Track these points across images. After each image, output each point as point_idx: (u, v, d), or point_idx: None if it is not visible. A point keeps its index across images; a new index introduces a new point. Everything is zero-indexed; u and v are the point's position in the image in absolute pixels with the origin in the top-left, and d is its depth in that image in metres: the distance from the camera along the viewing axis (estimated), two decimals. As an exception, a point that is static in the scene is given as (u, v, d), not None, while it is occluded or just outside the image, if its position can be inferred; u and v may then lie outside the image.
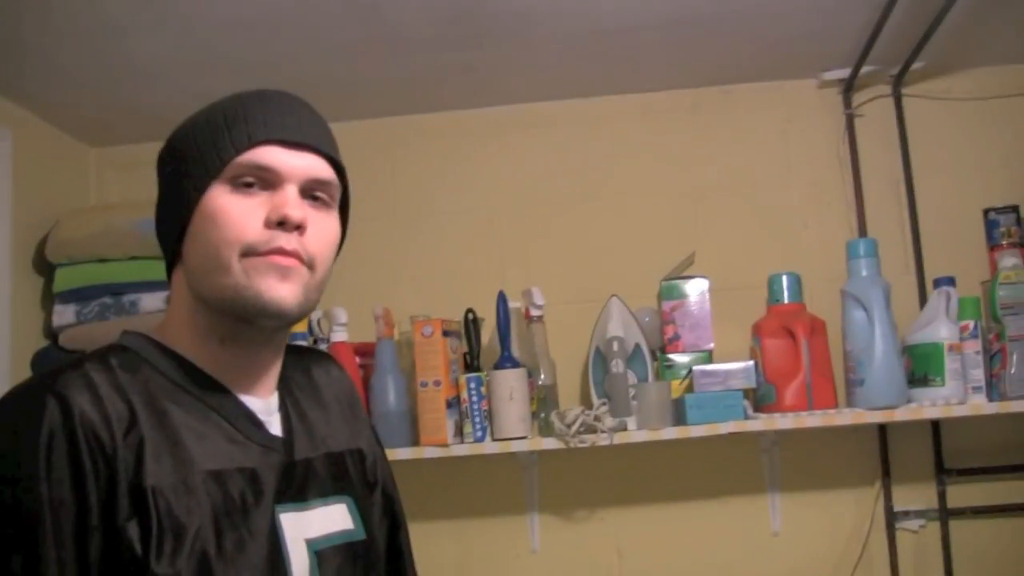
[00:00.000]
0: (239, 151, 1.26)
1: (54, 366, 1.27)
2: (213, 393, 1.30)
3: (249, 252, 1.24)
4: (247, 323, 1.28)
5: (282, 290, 1.25)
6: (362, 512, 1.43)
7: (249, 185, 1.26)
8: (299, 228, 1.26)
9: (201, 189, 1.26)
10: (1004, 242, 2.84)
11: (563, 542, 2.99)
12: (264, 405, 1.36)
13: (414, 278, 3.11)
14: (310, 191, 1.30)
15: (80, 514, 1.14)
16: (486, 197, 3.16)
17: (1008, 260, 2.69)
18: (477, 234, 3.14)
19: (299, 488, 1.33)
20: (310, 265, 1.28)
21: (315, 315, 2.80)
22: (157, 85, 2.79)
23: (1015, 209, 2.86)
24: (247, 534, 1.23)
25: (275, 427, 1.36)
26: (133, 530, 1.15)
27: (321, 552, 1.31)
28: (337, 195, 1.35)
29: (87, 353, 1.29)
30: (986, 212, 2.90)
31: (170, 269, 1.36)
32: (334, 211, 1.35)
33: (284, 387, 1.42)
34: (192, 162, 1.28)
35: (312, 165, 1.30)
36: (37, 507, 1.13)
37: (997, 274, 2.65)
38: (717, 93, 3.13)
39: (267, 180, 1.27)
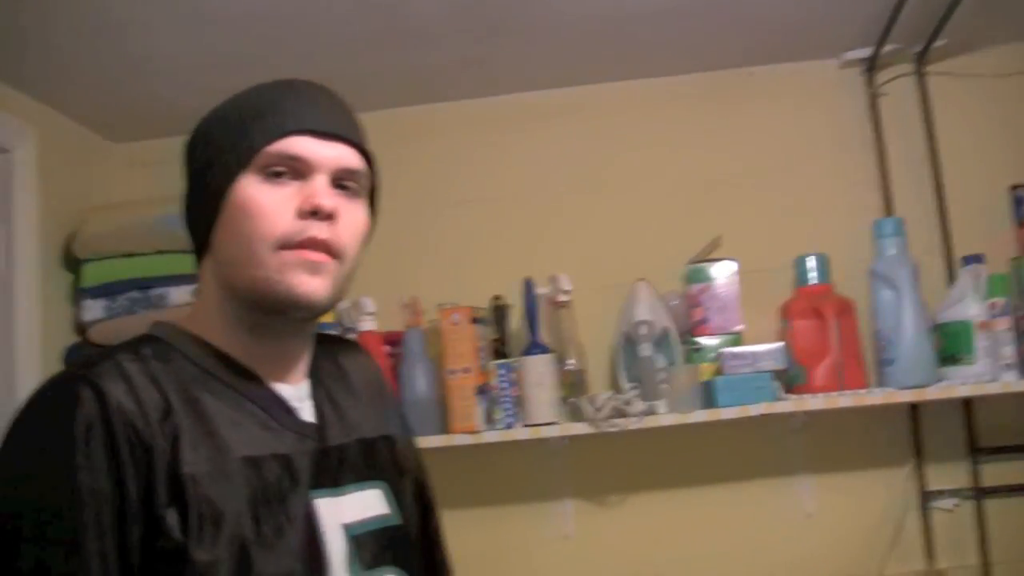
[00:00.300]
0: (270, 141, 1.26)
1: (86, 357, 1.27)
2: (245, 381, 1.31)
3: (282, 244, 1.24)
4: (277, 314, 1.29)
5: (313, 284, 1.25)
6: (395, 497, 1.43)
7: (279, 175, 1.27)
8: (330, 217, 1.26)
9: (231, 179, 1.27)
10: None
11: (596, 527, 2.99)
12: (295, 392, 1.36)
13: (441, 266, 3.11)
14: (340, 180, 1.30)
15: (119, 503, 1.14)
16: (511, 184, 3.16)
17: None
18: (503, 221, 3.14)
19: (333, 474, 1.34)
20: (340, 255, 1.28)
21: (343, 305, 2.80)
22: (178, 80, 2.80)
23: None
24: (285, 520, 1.23)
25: (307, 414, 1.36)
26: (172, 518, 1.16)
27: (358, 537, 1.32)
28: (367, 184, 1.36)
29: (118, 344, 1.29)
30: (1014, 188, 2.88)
31: (198, 259, 1.36)
32: (363, 201, 1.35)
33: (314, 375, 1.42)
34: (222, 152, 1.28)
35: (342, 155, 1.30)
36: (77, 497, 1.13)
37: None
38: (740, 76, 3.12)
39: (298, 170, 1.27)
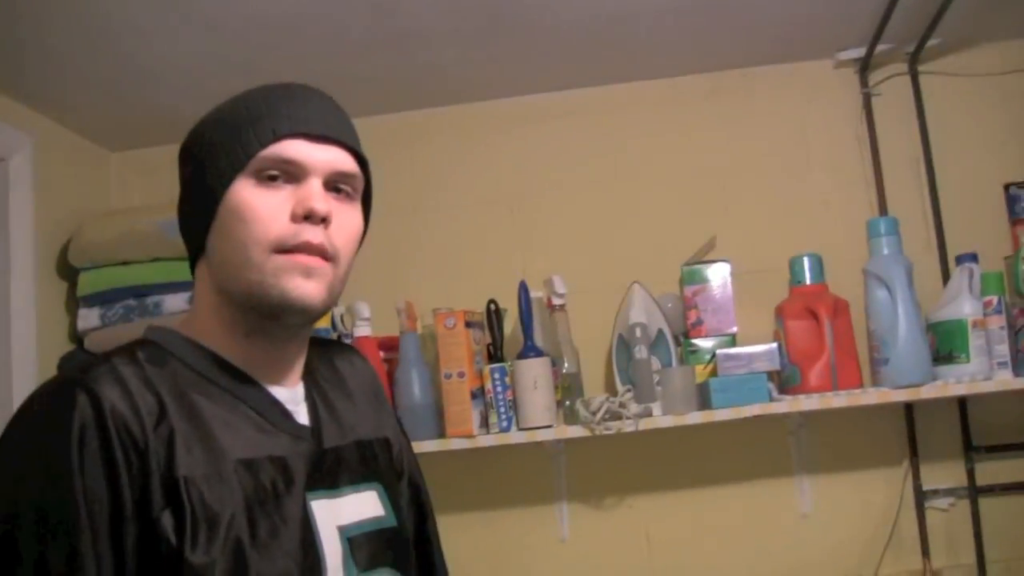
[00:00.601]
0: (264, 145, 1.26)
1: (82, 362, 1.27)
2: (241, 384, 1.31)
3: (276, 248, 1.25)
4: (272, 318, 1.29)
5: (307, 287, 1.25)
6: (392, 500, 1.43)
7: (273, 178, 1.27)
8: (324, 221, 1.27)
9: (226, 183, 1.27)
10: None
11: (592, 530, 2.99)
12: (291, 395, 1.36)
13: (436, 271, 3.12)
14: (334, 184, 1.30)
15: (115, 507, 1.15)
16: (506, 187, 3.17)
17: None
18: (498, 225, 3.15)
19: (330, 476, 1.34)
20: (334, 259, 1.28)
21: (338, 310, 2.81)
22: (176, 87, 2.81)
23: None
24: (280, 521, 1.24)
25: (303, 417, 1.36)
26: (167, 521, 1.16)
27: (353, 539, 1.32)
28: (360, 187, 1.36)
29: (114, 348, 1.30)
30: (1007, 187, 2.89)
31: (193, 263, 1.37)
32: (357, 204, 1.36)
33: (310, 378, 1.42)
34: (216, 156, 1.29)
35: (336, 158, 1.30)
36: (72, 502, 1.13)
37: (1020, 249, 2.65)
38: (734, 77, 3.13)
39: (292, 173, 1.27)
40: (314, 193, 1.26)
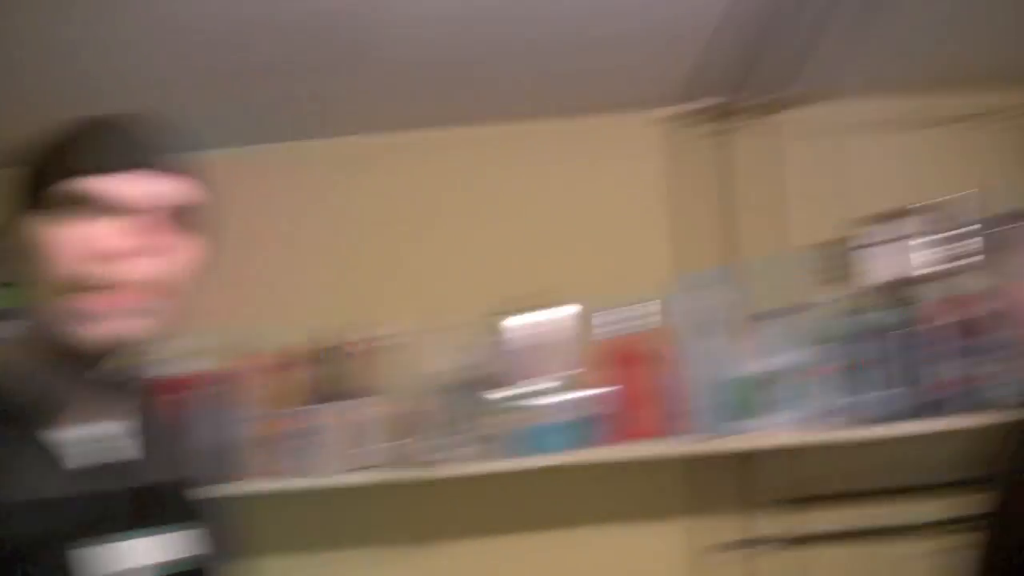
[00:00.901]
0: (66, 180, 1.24)
1: None
2: (45, 421, 1.29)
3: (70, 287, 1.23)
4: (81, 357, 1.28)
5: (103, 328, 1.25)
6: (197, 540, 1.41)
7: (77, 215, 1.24)
8: (135, 256, 1.25)
9: (29, 219, 1.26)
10: (836, 274, 2.90)
11: (409, 573, 2.98)
12: (105, 430, 1.35)
13: (266, 307, 3.03)
14: (154, 216, 1.28)
15: None
16: (343, 226, 3.12)
17: (838, 292, 2.77)
18: (329, 264, 3.10)
19: (145, 513, 1.33)
20: (157, 292, 1.28)
21: (161, 344, 2.76)
22: (8, 111, 2.74)
23: (844, 243, 2.91)
24: (74, 563, 1.22)
25: (110, 454, 1.34)
26: None
27: None
28: (188, 218, 1.33)
29: None
30: (847, 239, 2.93)
31: (10, 297, 1.34)
32: (184, 235, 1.33)
33: (121, 415, 1.40)
34: (25, 191, 1.27)
35: (150, 191, 1.27)
36: None
37: (828, 306, 2.72)
38: (575, 123, 3.12)
39: (102, 209, 1.25)
40: (119, 230, 1.25)
